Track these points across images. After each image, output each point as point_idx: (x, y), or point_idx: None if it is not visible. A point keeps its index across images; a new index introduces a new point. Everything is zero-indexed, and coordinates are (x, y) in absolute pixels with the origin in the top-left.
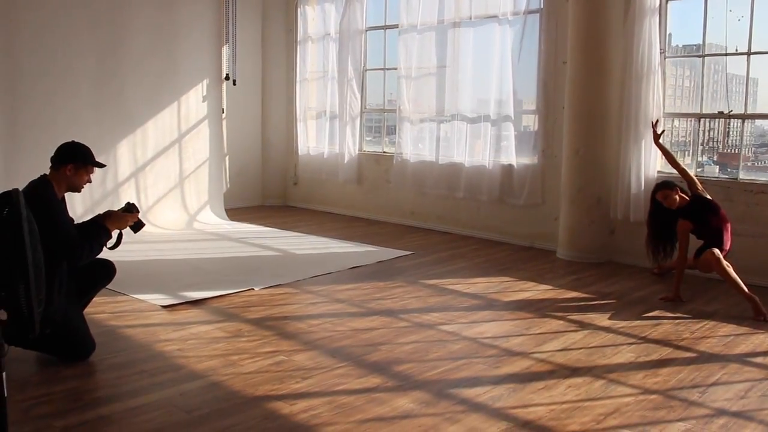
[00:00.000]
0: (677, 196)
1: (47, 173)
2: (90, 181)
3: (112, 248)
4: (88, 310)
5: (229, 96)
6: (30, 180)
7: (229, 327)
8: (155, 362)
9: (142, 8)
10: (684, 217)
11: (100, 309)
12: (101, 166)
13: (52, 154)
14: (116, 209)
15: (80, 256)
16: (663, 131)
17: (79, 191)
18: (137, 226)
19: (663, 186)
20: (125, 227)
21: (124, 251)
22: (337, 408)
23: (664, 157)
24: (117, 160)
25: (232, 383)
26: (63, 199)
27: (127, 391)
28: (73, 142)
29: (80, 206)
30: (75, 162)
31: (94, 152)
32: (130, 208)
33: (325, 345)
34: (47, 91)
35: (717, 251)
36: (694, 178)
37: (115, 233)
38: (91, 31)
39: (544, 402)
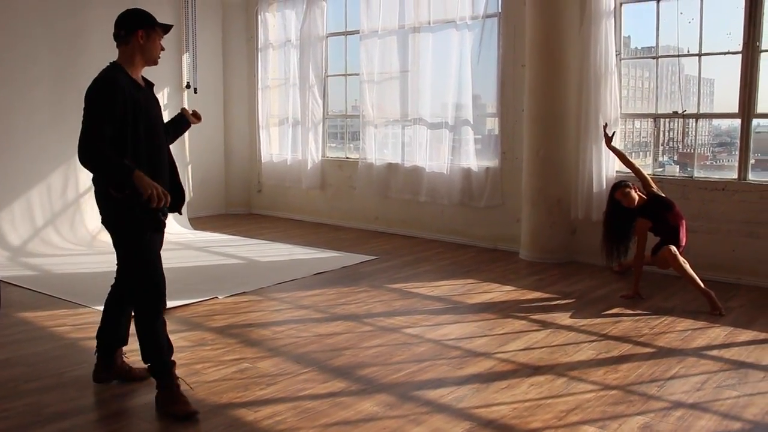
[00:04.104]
0: (636, 195)
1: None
2: (164, 49)
3: (117, 194)
4: (48, 323)
5: (190, 104)
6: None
7: (193, 336)
8: None
9: (101, 17)
10: (642, 215)
11: (61, 321)
12: (170, 27)
13: (114, 31)
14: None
15: (84, 159)
16: (614, 133)
17: (156, 62)
18: (168, 207)
19: (621, 185)
20: (146, 197)
21: (85, 263)
22: (302, 413)
23: (618, 158)
24: (78, 170)
25: (196, 392)
26: (141, 83)
27: (88, 404)
28: (129, 8)
29: (40, 218)
30: (144, 26)
31: (54, 163)
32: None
33: (290, 351)
34: (5, 103)
35: (673, 248)
36: (648, 177)
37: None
38: (49, 41)
39: (507, 401)
